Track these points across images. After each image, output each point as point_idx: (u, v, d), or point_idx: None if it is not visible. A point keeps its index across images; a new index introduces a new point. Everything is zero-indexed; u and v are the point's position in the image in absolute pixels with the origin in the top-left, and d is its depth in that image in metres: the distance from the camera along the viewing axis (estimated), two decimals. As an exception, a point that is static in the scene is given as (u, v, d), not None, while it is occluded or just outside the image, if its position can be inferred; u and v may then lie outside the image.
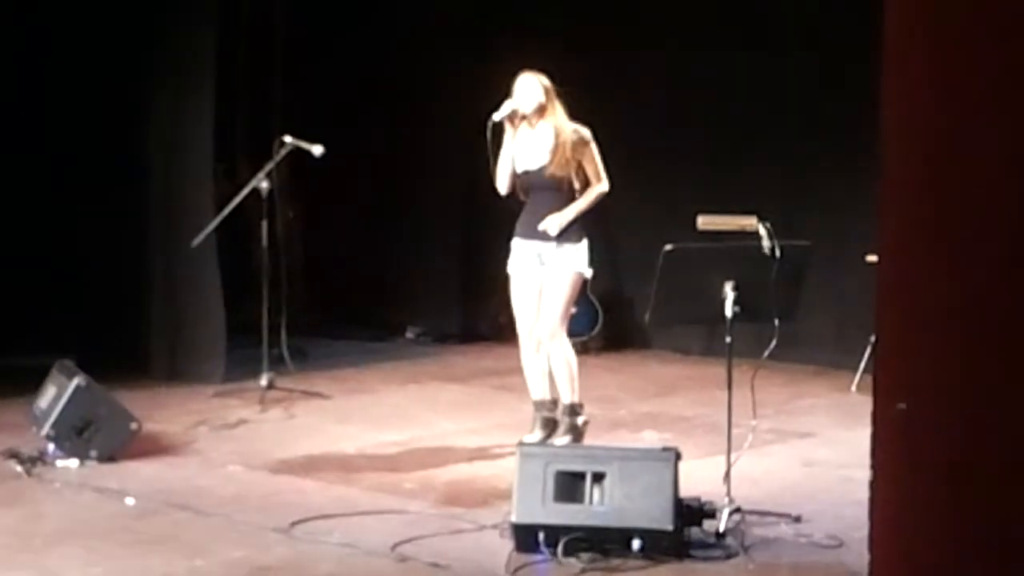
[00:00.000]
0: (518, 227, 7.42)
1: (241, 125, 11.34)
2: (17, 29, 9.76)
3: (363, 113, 11.16)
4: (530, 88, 7.31)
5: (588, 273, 7.46)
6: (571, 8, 10.73)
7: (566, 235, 7.29)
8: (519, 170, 7.33)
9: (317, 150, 8.75)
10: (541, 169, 7.29)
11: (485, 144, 7.27)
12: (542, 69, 7.38)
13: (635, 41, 10.41)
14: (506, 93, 7.35)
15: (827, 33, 9.39)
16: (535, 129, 7.32)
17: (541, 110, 7.29)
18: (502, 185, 7.39)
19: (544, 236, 7.30)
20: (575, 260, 7.32)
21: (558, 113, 7.31)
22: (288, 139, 8.79)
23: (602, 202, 7.40)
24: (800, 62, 9.62)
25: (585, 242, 7.35)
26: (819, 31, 9.50)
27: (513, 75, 7.38)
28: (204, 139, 9.36)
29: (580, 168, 7.33)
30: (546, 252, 7.31)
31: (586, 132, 7.33)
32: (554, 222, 7.26)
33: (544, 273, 7.33)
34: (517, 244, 7.41)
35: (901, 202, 3.25)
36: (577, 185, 7.34)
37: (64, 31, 9.70)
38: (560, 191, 7.30)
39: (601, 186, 7.36)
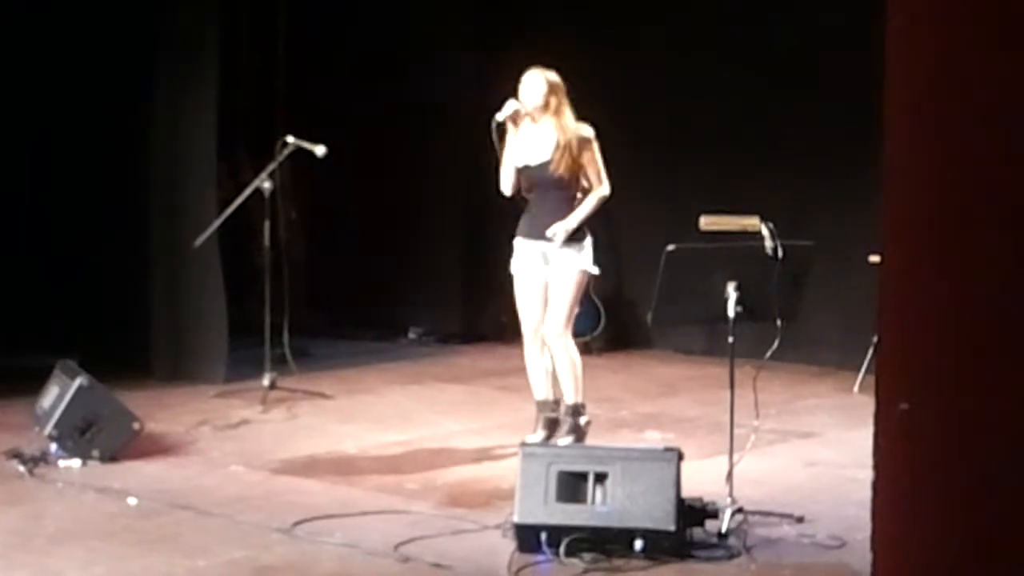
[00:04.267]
0: (521, 227, 7.40)
1: (244, 125, 11.35)
2: (17, 31, 9.77)
3: (366, 113, 11.16)
4: (534, 85, 7.29)
5: (594, 271, 7.45)
6: (575, 7, 10.73)
7: (570, 235, 7.28)
8: (519, 164, 7.31)
9: (320, 150, 8.76)
10: (543, 166, 7.26)
11: (488, 144, 7.26)
12: (549, 67, 7.35)
13: (639, 40, 10.41)
14: (509, 93, 7.34)
15: (831, 33, 9.38)
16: (538, 125, 7.30)
17: (544, 107, 7.27)
18: (506, 185, 7.38)
19: (549, 237, 7.29)
20: (580, 259, 7.31)
21: (563, 112, 7.27)
22: (291, 139, 8.79)
23: (604, 202, 7.39)
24: (804, 62, 9.62)
25: (589, 240, 7.34)
26: (823, 31, 9.50)
27: (517, 74, 7.37)
28: (207, 139, 9.36)
29: (583, 171, 7.31)
30: (550, 252, 7.30)
31: (588, 131, 7.29)
32: (558, 229, 7.25)
33: (549, 272, 7.33)
34: (520, 244, 7.39)
35: (903, 203, 3.25)
36: (586, 184, 7.32)
37: (66, 32, 9.71)
38: (564, 190, 7.28)
39: (602, 189, 7.33)
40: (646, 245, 8.29)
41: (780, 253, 6.02)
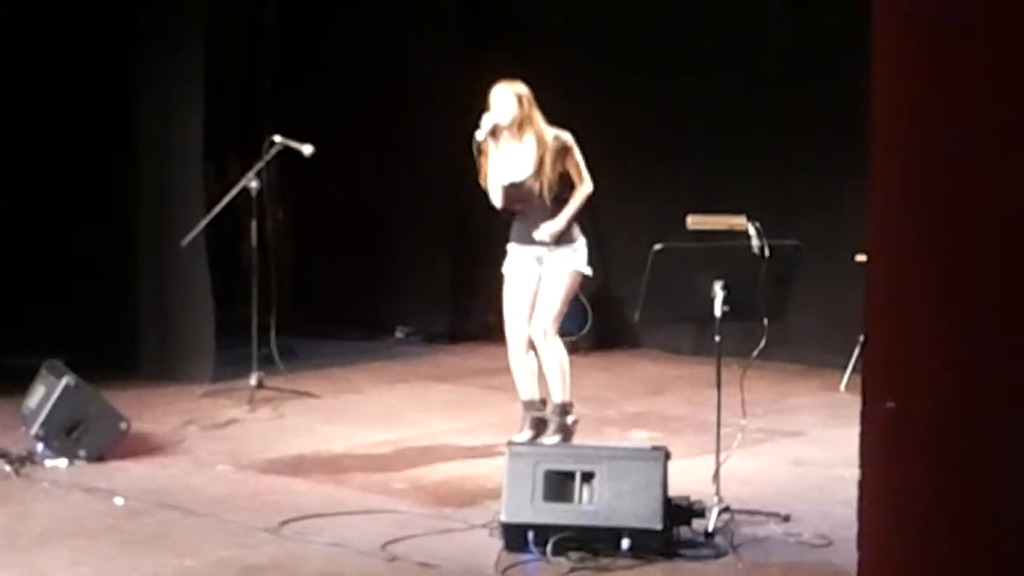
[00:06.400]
0: (513, 234, 7.44)
1: (231, 124, 11.32)
2: (6, 30, 9.74)
3: (352, 113, 11.15)
4: (505, 100, 7.28)
5: (587, 271, 7.47)
6: (562, 7, 10.74)
7: (563, 237, 7.32)
8: (504, 182, 7.33)
9: (307, 149, 8.75)
10: (525, 180, 7.29)
11: (472, 146, 7.27)
12: (527, 70, 7.36)
13: (624, 41, 10.41)
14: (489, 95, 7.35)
15: (818, 32, 9.40)
16: (516, 140, 7.32)
17: (519, 122, 7.28)
18: (496, 201, 7.39)
19: (541, 241, 7.31)
20: (574, 259, 7.35)
21: (537, 122, 7.29)
22: (278, 138, 8.78)
23: (592, 201, 7.42)
24: (791, 61, 9.63)
25: (583, 241, 7.38)
26: (810, 30, 9.51)
27: (503, 72, 7.37)
28: (194, 138, 9.34)
29: (566, 174, 7.33)
30: (544, 254, 7.34)
31: (567, 137, 7.32)
32: (547, 231, 7.27)
33: (542, 272, 7.35)
34: (514, 249, 7.43)
35: (890, 201, 3.25)
36: (555, 191, 7.33)
37: (53, 31, 9.68)
38: (546, 200, 7.30)
39: (586, 187, 7.37)
40: (633, 244, 8.29)
41: (767, 252, 6.03)
